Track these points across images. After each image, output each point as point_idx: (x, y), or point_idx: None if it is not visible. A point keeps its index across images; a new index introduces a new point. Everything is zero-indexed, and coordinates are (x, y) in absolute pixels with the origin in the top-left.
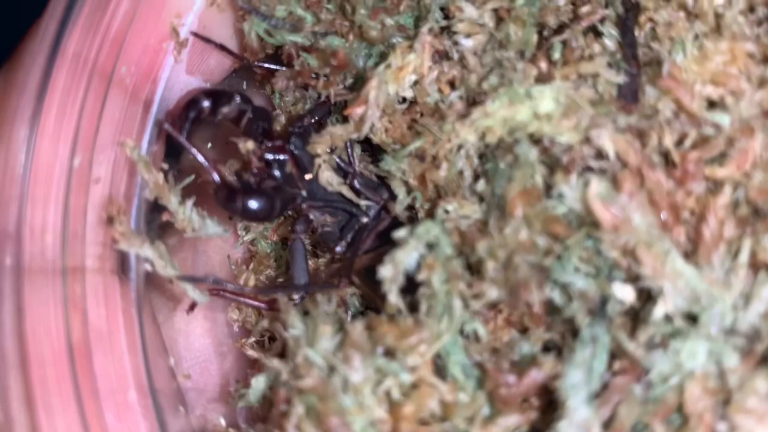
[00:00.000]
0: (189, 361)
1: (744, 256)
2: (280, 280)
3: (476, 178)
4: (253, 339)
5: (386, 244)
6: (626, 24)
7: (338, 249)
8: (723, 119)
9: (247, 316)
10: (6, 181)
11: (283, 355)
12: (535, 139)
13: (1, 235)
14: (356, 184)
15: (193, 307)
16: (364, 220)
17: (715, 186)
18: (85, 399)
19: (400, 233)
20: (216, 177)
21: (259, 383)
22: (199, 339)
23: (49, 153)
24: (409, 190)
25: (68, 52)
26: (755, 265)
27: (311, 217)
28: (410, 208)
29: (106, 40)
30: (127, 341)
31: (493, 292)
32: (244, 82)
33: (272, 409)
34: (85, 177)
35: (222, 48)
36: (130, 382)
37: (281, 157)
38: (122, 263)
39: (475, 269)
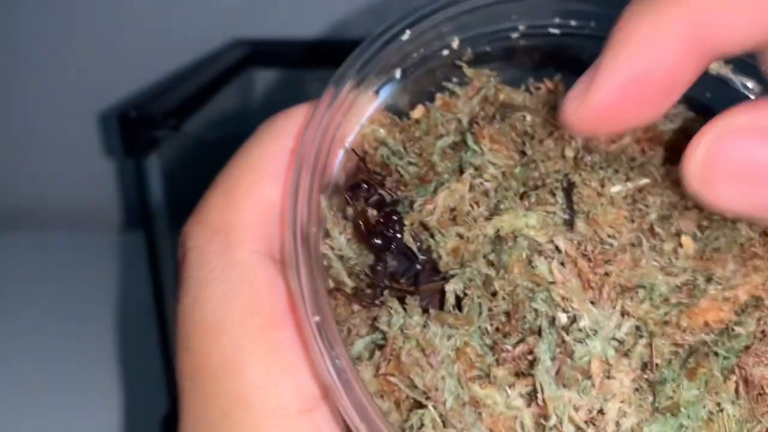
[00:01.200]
0: None
1: (618, 307)
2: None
3: (487, 253)
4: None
5: (431, 280)
6: (568, 190)
7: (402, 281)
8: (613, 242)
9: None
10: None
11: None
12: (525, 237)
13: None
14: (417, 244)
15: None
16: (418, 266)
17: (606, 273)
18: None
19: (455, 271)
20: (362, 223)
21: (359, 344)
22: None
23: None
24: (447, 254)
25: (307, 156)
26: (623, 313)
27: (387, 258)
28: (446, 264)
29: (323, 150)
30: None
31: (503, 305)
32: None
33: (383, 350)
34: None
35: (361, 159)
36: None
37: (388, 221)
38: None
39: (492, 294)
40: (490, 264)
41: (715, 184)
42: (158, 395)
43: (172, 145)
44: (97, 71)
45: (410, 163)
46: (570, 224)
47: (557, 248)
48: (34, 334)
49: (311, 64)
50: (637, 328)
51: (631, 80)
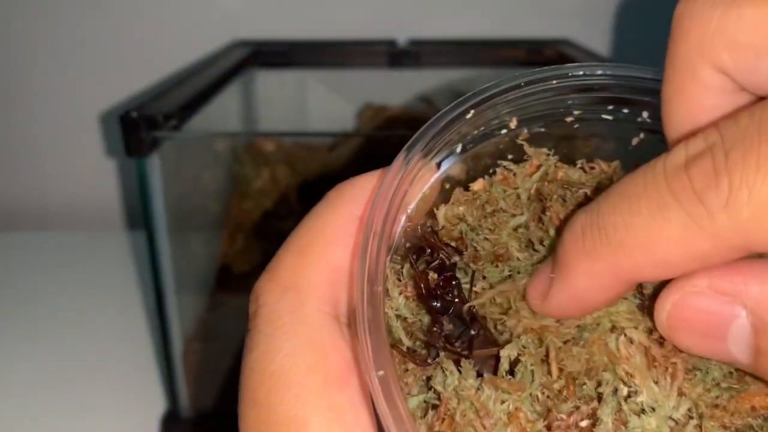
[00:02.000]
0: None
1: (675, 389)
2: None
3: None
4: None
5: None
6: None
7: (457, 344)
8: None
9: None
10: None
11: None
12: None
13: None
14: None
15: None
16: (472, 332)
17: (670, 352)
18: None
19: (513, 338)
20: (422, 285)
21: (412, 401)
22: None
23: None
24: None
25: (376, 222)
26: (680, 393)
27: (443, 321)
28: (500, 332)
29: (390, 216)
30: None
31: (559, 382)
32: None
33: (437, 409)
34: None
35: (434, 232)
36: None
37: (448, 285)
38: None
39: (545, 362)
40: None
41: (678, 333)
42: (158, 395)
43: (173, 145)
44: (98, 71)
45: (485, 239)
46: (647, 313)
47: (630, 341)
48: (33, 334)
49: (311, 64)
50: (688, 409)
51: (574, 299)
